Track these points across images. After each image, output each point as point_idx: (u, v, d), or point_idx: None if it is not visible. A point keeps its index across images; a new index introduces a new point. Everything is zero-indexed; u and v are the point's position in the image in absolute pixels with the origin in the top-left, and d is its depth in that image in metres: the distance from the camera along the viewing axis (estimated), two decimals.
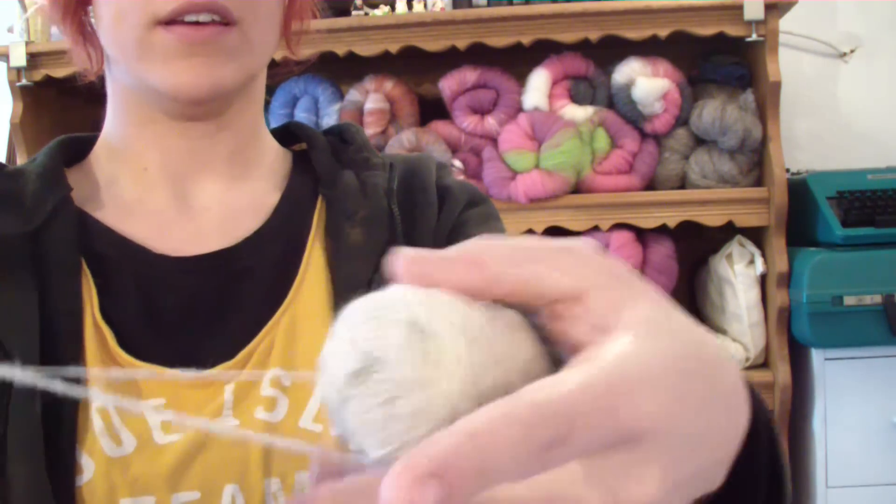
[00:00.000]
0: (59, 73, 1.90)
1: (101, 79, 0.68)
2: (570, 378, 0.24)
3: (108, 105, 0.67)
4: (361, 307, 0.26)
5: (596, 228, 1.85)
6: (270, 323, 0.60)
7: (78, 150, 0.68)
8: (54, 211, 0.61)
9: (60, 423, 0.54)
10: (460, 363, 0.24)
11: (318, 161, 0.69)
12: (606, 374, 0.24)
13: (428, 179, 0.68)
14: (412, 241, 0.64)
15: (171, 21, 0.57)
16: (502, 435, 0.22)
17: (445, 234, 0.66)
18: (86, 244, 0.61)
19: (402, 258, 0.28)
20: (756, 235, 1.89)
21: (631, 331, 0.26)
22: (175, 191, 0.65)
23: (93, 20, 0.64)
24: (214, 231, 0.64)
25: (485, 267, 0.27)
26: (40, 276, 0.58)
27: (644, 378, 0.24)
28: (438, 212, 0.67)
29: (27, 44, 1.91)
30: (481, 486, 0.22)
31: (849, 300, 1.69)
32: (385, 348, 0.24)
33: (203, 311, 0.60)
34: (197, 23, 0.57)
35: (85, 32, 0.65)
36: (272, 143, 0.71)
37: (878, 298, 1.69)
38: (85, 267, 0.60)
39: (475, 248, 0.28)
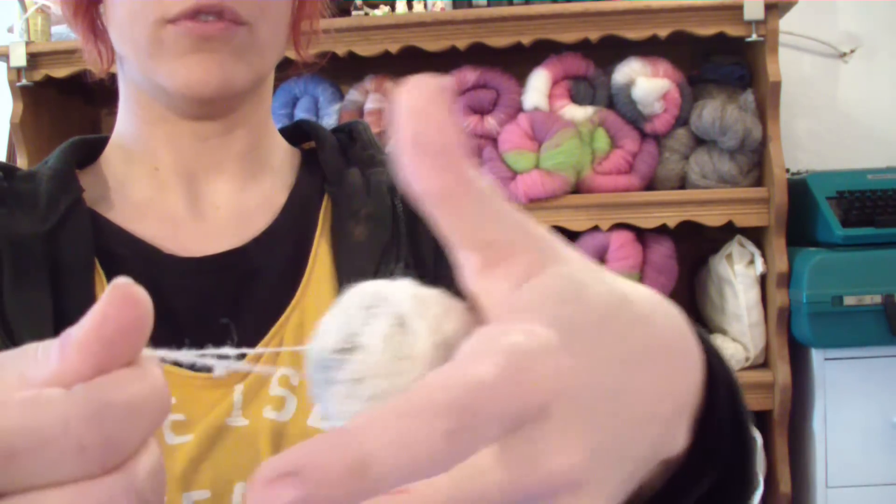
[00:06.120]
0: (59, 73, 1.90)
1: (111, 77, 0.68)
2: (469, 363, 0.23)
3: (120, 105, 0.67)
4: (362, 293, 0.28)
5: (596, 228, 1.85)
6: (279, 322, 0.60)
7: (89, 151, 0.68)
8: (67, 212, 0.61)
9: None
10: (423, 362, 0.26)
11: (325, 159, 0.69)
12: (506, 353, 0.23)
13: None
14: (416, 237, 0.65)
15: (181, 20, 0.57)
16: (381, 429, 0.21)
17: None
18: (99, 244, 0.61)
19: (412, 94, 0.25)
20: (756, 235, 1.89)
21: (536, 302, 0.26)
22: (187, 191, 0.65)
23: (103, 17, 0.64)
24: (224, 231, 0.64)
25: (457, 173, 0.26)
26: (55, 276, 0.58)
27: (542, 349, 0.24)
28: None
29: (27, 44, 1.90)
30: (361, 485, 0.21)
31: (849, 300, 1.69)
32: (370, 335, 0.26)
33: (213, 311, 0.61)
34: (207, 21, 0.57)
35: (96, 30, 0.65)
36: (281, 143, 0.71)
37: (878, 298, 1.69)
38: (98, 266, 0.60)
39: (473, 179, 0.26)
